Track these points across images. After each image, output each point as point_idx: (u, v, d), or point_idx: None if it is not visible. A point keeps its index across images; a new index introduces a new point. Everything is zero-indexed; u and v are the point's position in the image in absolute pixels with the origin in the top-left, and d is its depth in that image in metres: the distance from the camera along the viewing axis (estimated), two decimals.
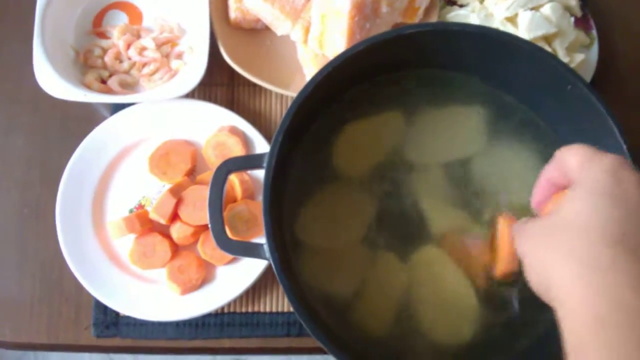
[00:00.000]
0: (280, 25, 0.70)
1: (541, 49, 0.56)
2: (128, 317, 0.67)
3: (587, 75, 0.74)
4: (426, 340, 0.55)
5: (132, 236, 0.67)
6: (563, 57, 0.69)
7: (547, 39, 0.69)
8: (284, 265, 0.51)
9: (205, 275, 0.67)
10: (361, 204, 0.59)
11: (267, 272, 0.66)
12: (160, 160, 0.68)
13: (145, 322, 0.67)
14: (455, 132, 0.61)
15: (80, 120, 0.74)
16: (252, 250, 0.54)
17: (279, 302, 0.69)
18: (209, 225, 0.54)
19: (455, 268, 0.56)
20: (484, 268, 0.57)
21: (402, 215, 0.58)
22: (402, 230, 0.58)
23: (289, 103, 0.73)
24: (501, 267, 0.55)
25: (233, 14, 0.71)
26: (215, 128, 0.70)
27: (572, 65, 0.69)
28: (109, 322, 0.67)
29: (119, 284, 0.66)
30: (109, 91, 0.71)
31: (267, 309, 0.68)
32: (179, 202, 0.66)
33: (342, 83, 0.59)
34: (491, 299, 0.56)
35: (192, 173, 0.70)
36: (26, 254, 0.71)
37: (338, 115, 0.61)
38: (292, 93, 0.69)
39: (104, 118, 0.71)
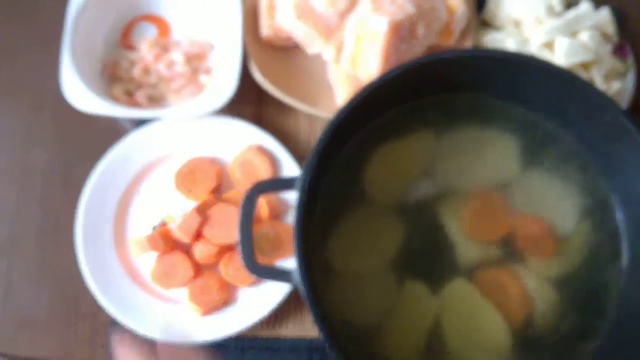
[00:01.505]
0: (312, 44, 0.69)
1: (580, 78, 0.56)
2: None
3: (624, 103, 0.72)
4: None
5: (154, 254, 0.66)
6: (601, 85, 0.68)
7: (585, 66, 0.68)
8: (314, 293, 0.50)
9: (227, 297, 0.65)
10: (390, 229, 0.58)
11: (290, 295, 0.65)
12: (186, 178, 0.67)
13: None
14: (489, 158, 0.60)
15: (104, 133, 0.72)
16: (282, 276, 0.53)
17: (302, 327, 0.67)
18: (239, 248, 0.53)
19: (487, 305, 0.55)
20: (519, 307, 0.55)
21: (432, 244, 0.57)
22: (432, 259, 0.57)
23: (318, 123, 0.73)
24: None
25: (265, 31, 0.70)
26: (243, 146, 0.68)
27: (610, 94, 0.68)
28: None
29: (139, 302, 0.65)
30: (136, 105, 0.70)
31: (290, 334, 0.67)
32: (204, 221, 0.65)
33: (376, 106, 0.58)
34: (526, 341, 0.55)
35: (217, 191, 0.69)
36: (45, 269, 0.70)
37: (370, 138, 0.60)
38: (321, 113, 0.68)
39: (128, 131, 0.70)
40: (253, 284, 0.65)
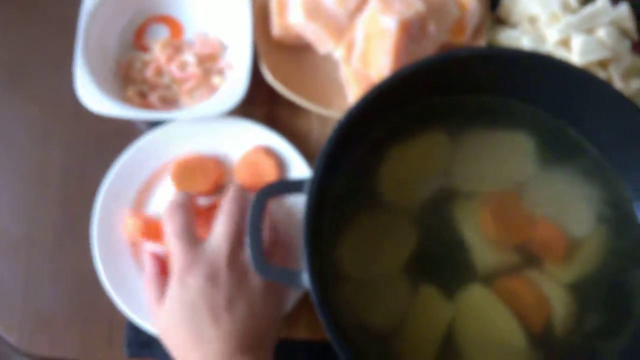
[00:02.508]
0: (323, 43, 0.68)
1: (596, 76, 0.54)
2: None
3: None
4: None
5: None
6: (618, 83, 0.66)
7: (603, 64, 0.66)
8: (324, 296, 0.50)
9: None
10: (403, 232, 0.57)
11: (301, 299, 0.65)
12: (184, 175, 0.68)
13: None
14: (504, 160, 0.59)
15: (118, 133, 0.73)
16: (290, 278, 0.52)
17: (313, 329, 0.67)
18: (248, 250, 0.53)
19: (503, 310, 0.54)
20: (537, 312, 0.54)
21: (446, 247, 0.56)
22: (446, 263, 0.56)
23: (329, 123, 0.72)
24: None
25: (276, 30, 0.70)
26: (252, 147, 0.69)
27: (629, 92, 0.67)
28: (143, 342, 0.66)
29: None
30: (150, 106, 0.70)
31: (301, 336, 0.66)
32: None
33: (387, 106, 0.57)
34: (544, 344, 0.54)
35: (217, 191, 0.69)
36: (62, 268, 0.70)
37: (380, 140, 0.59)
38: (333, 113, 0.68)
39: (142, 132, 0.71)
40: None
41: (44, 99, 0.77)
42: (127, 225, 0.66)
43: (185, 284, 0.54)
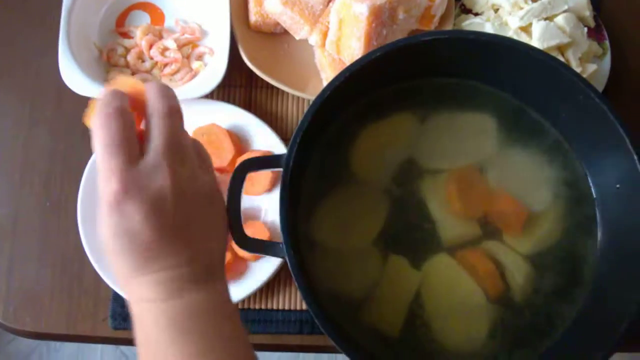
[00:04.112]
0: (298, 29, 0.71)
1: (554, 59, 0.57)
2: None
3: (600, 85, 0.75)
4: (438, 344, 0.57)
5: None
6: (576, 67, 0.70)
7: (561, 48, 0.70)
8: (300, 264, 0.53)
9: (241, 270, 0.69)
10: (375, 206, 0.60)
11: (281, 269, 0.68)
12: None
13: None
14: (468, 139, 0.63)
15: None
16: (269, 249, 0.55)
17: (292, 300, 0.70)
18: (229, 224, 0.55)
19: (466, 276, 0.58)
20: (496, 278, 0.58)
21: (414, 220, 0.60)
22: (415, 236, 0.59)
23: (306, 105, 0.75)
24: None
25: (253, 17, 0.73)
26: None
27: (585, 75, 0.70)
28: (126, 314, 0.69)
29: None
30: None
31: (281, 307, 0.70)
32: None
33: (359, 88, 0.61)
34: (503, 306, 0.58)
35: None
36: (47, 245, 0.73)
37: (354, 119, 0.62)
38: (309, 96, 0.71)
39: None
40: (259, 258, 0.68)
41: (28, 85, 0.79)
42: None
43: (122, 212, 0.43)
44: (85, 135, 0.74)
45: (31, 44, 0.80)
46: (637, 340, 0.55)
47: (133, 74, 0.74)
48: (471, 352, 0.57)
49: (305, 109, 0.74)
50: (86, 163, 0.70)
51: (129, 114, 0.45)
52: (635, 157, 0.54)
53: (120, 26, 0.77)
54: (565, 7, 0.71)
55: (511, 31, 0.71)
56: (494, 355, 0.57)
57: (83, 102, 0.71)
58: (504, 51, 0.58)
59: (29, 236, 0.73)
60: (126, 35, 0.77)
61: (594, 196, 0.61)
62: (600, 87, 0.75)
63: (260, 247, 0.56)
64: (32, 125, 0.77)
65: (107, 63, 0.75)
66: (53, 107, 0.78)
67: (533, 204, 0.61)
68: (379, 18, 0.65)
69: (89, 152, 0.71)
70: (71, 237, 0.70)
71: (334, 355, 0.94)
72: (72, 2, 0.73)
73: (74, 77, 0.69)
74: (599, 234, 0.60)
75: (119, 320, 0.69)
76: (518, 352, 0.57)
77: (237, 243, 0.55)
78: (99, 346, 1.47)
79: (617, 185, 0.57)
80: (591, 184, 0.61)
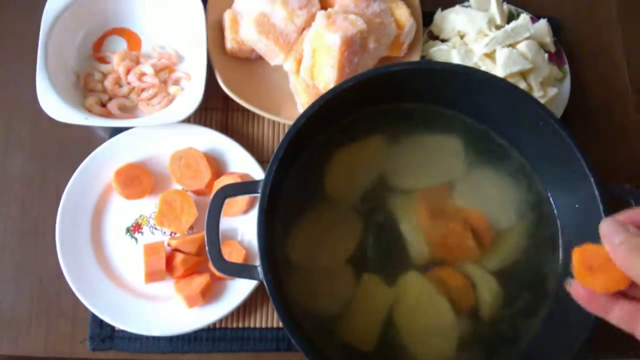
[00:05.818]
0: (273, 56, 0.74)
1: (514, 86, 0.60)
2: (123, 332, 0.70)
3: (560, 107, 0.78)
4: (412, 359, 0.59)
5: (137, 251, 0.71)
6: (537, 90, 0.73)
7: (524, 74, 0.74)
8: (277, 286, 0.54)
9: (216, 290, 0.70)
10: (348, 226, 0.63)
11: (257, 289, 0.70)
12: (126, 181, 0.72)
13: (140, 337, 0.70)
14: (437, 161, 0.65)
15: (80, 141, 0.77)
16: (246, 272, 0.56)
17: (268, 318, 0.72)
18: (207, 249, 0.57)
19: (436, 293, 0.60)
20: (465, 295, 0.61)
21: (387, 239, 0.62)
22: (387, 253, 0.62)
23: (282, 128, 0.77)
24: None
25: (229, 44, 0.75)
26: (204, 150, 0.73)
27: (546, 98, 0.74)
28: (105, 335, 0.70)
29: (116, 299, 0.69)
30: (109, 114, 0.74)
31: (257, 325, 0.72)
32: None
33: (330, 114, 0.63)
34: (473, 320, 0.60)
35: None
36: (25, 268, 0.73)
37: (327, 143, 0.64)
38: (284, 119, 0.73)
39: (102, 139, 0.75)
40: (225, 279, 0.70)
41: (5, 109, 0.79)
42: None
43: None
44: (62, 160, 0.76)
45: (8, 68, 0.80)
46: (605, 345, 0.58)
47: (110, 99, 0.75)
48: None
49: (281, 132, 0.77)
50: (63, 186, 0.71)
51: None
52: (592, 179, 0.57)
53: (97, 51, 0.79)
54: (527, 34, 0.75)
55: (476, 58, 0.74)
56: None
57: (59, 126, 0.73)
58: (469, 80, 0.61)
59: (6, 259, 0.74)
60: (103, 60, 0.78)
61: (556, 215, 0.63)
62: (561, 109, 0.78)
63: (239, 271, 0.57)
64: (7, 149, 0.78)
65: (84, 88, 0.76)
66: (29, 131, 0.78)
67: (500, 223, 0.64)
68: (351, 47, 0.68)
69: (65, 175, 0.71)
70: (49, 259, 0.71)
71: None
72: (49, 27, 0.73)
73: (51, 102, 0.70)
74: (560, 250, 0.63)
75: (97, 342, 0.70)
76: None
77: (216, 267, 0.57)
78: None
79: (577, 205, 0.60)
80: (553, 205, 0.64)
